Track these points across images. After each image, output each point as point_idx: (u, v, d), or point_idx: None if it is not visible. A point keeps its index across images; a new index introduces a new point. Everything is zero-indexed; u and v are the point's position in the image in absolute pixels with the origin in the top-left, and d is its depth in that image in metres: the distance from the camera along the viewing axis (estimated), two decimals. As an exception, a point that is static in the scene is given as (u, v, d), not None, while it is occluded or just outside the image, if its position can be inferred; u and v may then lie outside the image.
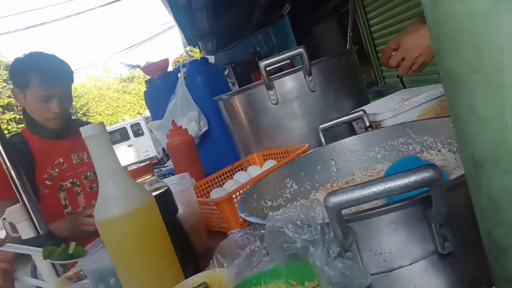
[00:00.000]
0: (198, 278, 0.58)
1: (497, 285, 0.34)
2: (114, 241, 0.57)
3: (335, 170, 0.97)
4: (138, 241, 0.57)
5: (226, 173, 1.12)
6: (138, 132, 12.69)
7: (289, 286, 0.50)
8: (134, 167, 0.67)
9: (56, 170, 1.26)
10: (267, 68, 1.08)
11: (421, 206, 0.48)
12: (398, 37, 1.06)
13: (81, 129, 0.54)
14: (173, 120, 1.16)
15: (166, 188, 0.66)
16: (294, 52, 1.05)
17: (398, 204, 0.49)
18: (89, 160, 1.38)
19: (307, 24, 5.12)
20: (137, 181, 0.63)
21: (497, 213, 0.31)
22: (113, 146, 0.57)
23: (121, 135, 12.62)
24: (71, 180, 1.29)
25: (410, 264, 0.51)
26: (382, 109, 1.02)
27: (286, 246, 0.49)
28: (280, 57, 1.08)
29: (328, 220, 0.49)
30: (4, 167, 0.90)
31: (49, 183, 1.24)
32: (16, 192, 1.11)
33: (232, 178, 1.08)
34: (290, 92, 1.12)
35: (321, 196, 0.91)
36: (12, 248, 0.59)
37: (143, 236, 0.57)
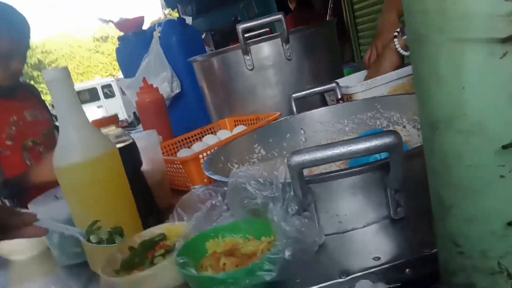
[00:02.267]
0: (157, 230, 0.58)
1: (439, 244, 0.36)
2: (72, 189, 0.56)
3: (303, 139, 0.98)
4: (97, 190, 0.56)
5: (195, 135, 1.11)
6: (108, 94, 12.28)
7: (246, 240, 0.51)
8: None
9: (13, 128, 1.19)
10: (245, 35, 1.06)
11: (379, 172, 0.50)
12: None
13: (43, 72, 0.52)
14: (144, 78, 1.12)
15: (131, 141, 0.65)
16: (273, 17, 1.04)
17: (358, 168, 0.50)
18: (43, 119, 1.31)
19: (291, -4, 5.03)
20: (103, 131, 0.61)
21: (446, 173, 0.32)
22: (82, 105, 0.55)
23: (91, 95, 12.18)
24: (32, 139, 1.23)
25: (363, 227, 0.53)
26: (355, 83, 1.03)
27: (247, 202, 0.50)
28: (259, 21, 1.06)
29: (290, 180, 0.50)
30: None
31: (10, 143, 1.17)
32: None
33: (201, 141, 1.07)
34: (266, 59, 1.10)
35: (287, 164, 0.92)
36: (49, 224, 0.52)
37: (103, 185, 0.56)
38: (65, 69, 0.55)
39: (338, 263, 0.46)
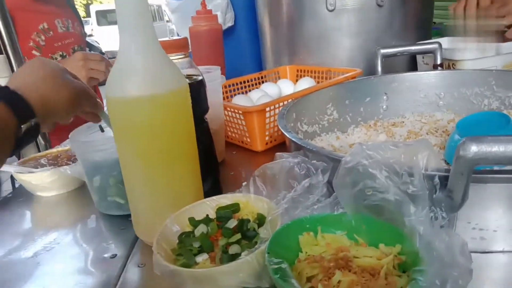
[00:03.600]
0: (225, 200, 0.45)
1: None
2: (127, 129, 0.42)
3: (384, 107, 0.81)
4: (158, 136, 0.41)
5: (251, 79, 0.95)
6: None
7: (353, 242, 0.38)
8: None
9: (43, 37, 1.04)
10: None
11: None
12: None
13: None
14: (203, 0, 0.94)
15: (201, 78, 0.50)
16: None
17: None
18: (75, 32, 1.15)
19: None
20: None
21: None
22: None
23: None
24: (61, 53, 1.08)
25: (513, 250, 0.38)
26: (460, 46, 0.83)
27: (371, 194, 0.35)
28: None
29: (435, 173, 0.35)
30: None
31: (37, 53, 1.03)
32: (0, 44, 0.92)
33: (258, 88, 0.91)
34: (353, 0, 0.90)
35: (361, 133, 0.77)
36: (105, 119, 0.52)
37: (166, 130, 0.42)
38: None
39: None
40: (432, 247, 0.30)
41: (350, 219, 0.38)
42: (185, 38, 0.48)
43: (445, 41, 0.95)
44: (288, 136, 0.52)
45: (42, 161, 0.67)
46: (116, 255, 0.46)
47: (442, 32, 1.31)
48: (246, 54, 1.28)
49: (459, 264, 0.31)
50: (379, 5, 0.91)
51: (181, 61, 0.49)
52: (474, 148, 0.30)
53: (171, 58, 0.47)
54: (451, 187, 0.33)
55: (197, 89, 0.49)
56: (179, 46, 0.47)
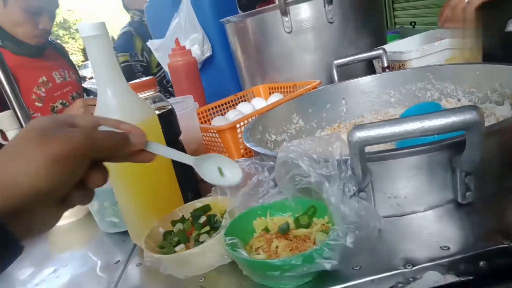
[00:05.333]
0: (199, 204, 0.56)
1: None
2: (112, 157, 0.53)
3: (344, 110, 0.92)
4: (138, 160, 0.53)
5: (228, 102, 1.07)
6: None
7: (295, 220, 0.48)
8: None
9: (43, 90, 1.17)
10: (284, -7, 0.98)
11: (450, 151, 0.45)
12: None
13: (80, 26, 0.47)
14: (176, 38, 1.07)
15: (170, 107, 0.61)
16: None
17: (426, 147, 0.45)
18: (71, 80, 1.29)
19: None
20: (140, 95, 0.58)
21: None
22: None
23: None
24: (61, 101, 1.22)
25: (424, 210, 0.48)
26: (408, 48, 0.94)
27: (299, 180, 0.46)
28: (300, -21, 0.97)
29: (346, 157, 0.45)
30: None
31: (39, 104, 1.16)
32: (7, 100, 1.05)
33: (235, 108, 1.03)
34: (306, 21, 1.03)
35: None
36: (158, 149, 0.40)
37: (144, 155, 0.53)
38: (103, 24, 0.50)
39: (401, 250, 0.42)
40: (340, 211, 0.41)
41: (291, 203, 0.49)
42: (153, 78, 0.60)
43: (393, 46, 1.07)
44: (247, 145, 0.63)
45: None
46: (119, 260, 0.57)
47: (401, 34, 1.43)
48: (226, 79, 1.41)
49: (364, 222, 0.41)
50: (330, 22, 1.03)
51: (152, 97, 0.60)
52: (357, 134, 0.41)
53: (142, 95, 0.59)
54: (352, 165, 0.43)
55: (168, 117, 0.61)
56: (147, 85, 0.58)
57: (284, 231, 0.42)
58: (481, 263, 0.39)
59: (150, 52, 1.86)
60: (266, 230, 0.46)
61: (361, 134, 0.40)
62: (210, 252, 0.45)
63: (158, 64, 1.86)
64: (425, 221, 0.46)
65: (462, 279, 0.38)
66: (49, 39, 1.29)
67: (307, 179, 0.45)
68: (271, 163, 0.53)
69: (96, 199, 0.64)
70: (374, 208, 0.47)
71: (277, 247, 0.42)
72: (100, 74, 0.50)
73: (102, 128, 0.38)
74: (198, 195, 0.64)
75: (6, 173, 0.29)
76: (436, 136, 0.42)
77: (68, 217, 0.74)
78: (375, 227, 0.43)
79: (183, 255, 0.45)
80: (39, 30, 1.11)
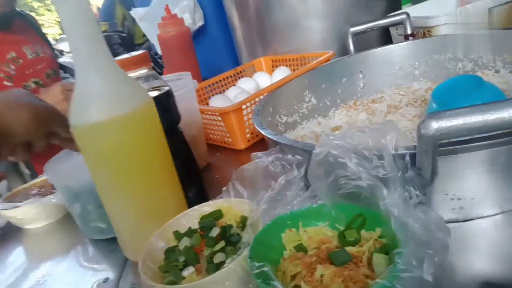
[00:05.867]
0: (207, 208, 0.45)
1: None
2: (97, 155, 0.41)
3: (361, 85, 0.81)
4: (130, 157, 0.41)
5: (227, 78, 0.94)
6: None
7: (335, 230, 0.38)
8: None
9: (13, 67, 1.03)
10: None
11: (540, 144, 0.35)
12: None
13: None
14: (167, 5, 0.93)
15: (167, 88, 0.49)
16: None
17: (508, 138, 0.34)
18: (45, 55, 1.14)
19: None
20: (129, 75, 0.46)
21: None
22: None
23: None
24: (34, 80, 1.07)
25: (494, 214, 0.39)
26: (435, 12, 0.82)
27: (344, 183, 0.35)
28: None
29: (403, 152, 0.35)
30: None
31: (9, 84, 1.02)
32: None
33: (235, 85, 0.91)
34: (315, -18, 0.89)
35: (342, 114, 0.77)
36: None
37: (137, 150, 0.41)
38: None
39: (473, 268, 0.32)
40: (407, 227, 0.31)
41: (329, 210, 0.38)
42: (145, 53, 0.47)
43: (416, 9, 0.95)
44: (263, 133, 0.52)
45: (28, 192, 0.67)
46: (108, 278, 0.47)
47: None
48: (221, 51, 1.28)
49: (435, 241, 0.31)
50: (342, -17, 0.90)
51: (145, 76, 0.48)
52: (434, 125, 0.30)
53: (133, 74, 0.47)
54: (419, 165, 0.33)
55: (165, 100, 0.49)
56: (138, 61, 0.46)
57: (342, 263, 0.32)
58: None
59: (134, 21, 1.70)
60: (300, 248, 0.36)
61: (440, 125, 0.30)
62: (230, 280, 0.34)
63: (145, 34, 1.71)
64: (491, 226, 0.37)
65: None
66: (18, 9, 1.12)
67: (356, 183, 0.34)
68: (298, 157, 0.42)
69: (77, 201, 0.53)
70: (438, 216, 0.37)
71: (322, 276, 0.32)
72: (77, 50, 0.38)
73: None
74: (201, 195, 0.53)
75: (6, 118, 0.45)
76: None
77: (44, 219, 0.62)
78: (445, 244, 0.33)
79: (195, 286, 0.34)
80: None
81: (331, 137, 0.36)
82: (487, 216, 0.39)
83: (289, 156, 0.42)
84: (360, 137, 0.35)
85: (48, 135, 0.50)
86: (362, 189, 0.34)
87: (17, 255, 0.59)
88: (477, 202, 0.38)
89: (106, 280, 0.46)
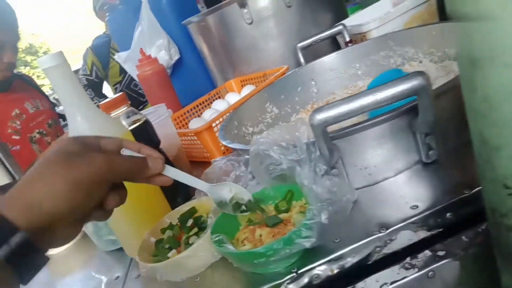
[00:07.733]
0: (185, 207, 0.58)
1: (487, 187, 0.34)
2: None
3: (315, 90, 0.94)
4: (119, 177, 0.54)
5: (203, 102, 1.08)
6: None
7: (276, 207, 0.50)
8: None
9: (18, 122, 1.18)
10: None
11: (407, 117, 0.47)
12: None
13: (39, 60, 0.48)
14: (141, 49, 1.07)
15: (144, 119, 0.63)
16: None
17: (384, 116, 0.47)
18: (44, 108, 1.29)
19: None
20: (112, 114, 0.59)
21: (491, 112, 0.29)
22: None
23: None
24: (38, 131, 1.22)
25: (395, 175, 0.51)
26: (367, 19, 0.96)
27: (272, 168, 0.48)
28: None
29: (313, 139, 0.47)
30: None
31: (17, 137, 1.16)
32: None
33: (210, 107, 1.04)
34: (265, 10, 1.04)
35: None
36: (175, 173, 0.42)
37: (123, 171, 0.55)
38: (60, 54, 0.51)
39: (375, 217, 0.44)
40: (313, 192, 0.43)
41: (269, 192, 0.51)
42: (122, 94, 0.61)
43: (354, 19, 1.09)
44: (224, 143, 0.65)
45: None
46: (118, 276, 0.59)
47: (362, 4, 1.45)
48: (198, 78, 1.42)
49: (337, 198, 0.44)
50: (288, 6, 1.04)
51: (125, 112, 0.62)
52: (318, 116, 0.43)
53: (115, 113, 0.61)
54: (318, 146, 0.46)
55: (144, 128, 0.62)
56: (118, 102, 0.60)
57: (274, 225, 0.45)
58: (448, 214, 0.41)
59: (103, 67, 1.92)
60: (250, 221, 0.49)
61: (321, 116, 0.43)
62: (201, 252, 0.47)
63: (122, 71, 1.92)
64: (396, 185, 0.49)
65: (433, 232, 0.41)
66: (15, 71, 1.28)
67: (280, 167, 0.47)
68: (247, 156, 0.55)
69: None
70: (348, 182, 0.49)
71: (260, 235, 0.44)
72: (66, 102, 0.51)
73: (125, 152, 0.41)
74: (189, 199, 0.66)
75: (32, 194, 0.32)
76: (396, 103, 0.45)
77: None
78: (349, 200, 0.46)
79: (175, 260, 0.47)
80: (4, 64, 1.11)
81: (258, 137, 0.49)
82: (390, 178, 0.51)
83: (238, 157, 0.55)
84: (279, 133, 0.48)
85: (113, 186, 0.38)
86: (285, 170, 0.47)
87: (43, 274, 0.72)
88: (379, 169, 0.51)
89: (117, 277, 0.59)
